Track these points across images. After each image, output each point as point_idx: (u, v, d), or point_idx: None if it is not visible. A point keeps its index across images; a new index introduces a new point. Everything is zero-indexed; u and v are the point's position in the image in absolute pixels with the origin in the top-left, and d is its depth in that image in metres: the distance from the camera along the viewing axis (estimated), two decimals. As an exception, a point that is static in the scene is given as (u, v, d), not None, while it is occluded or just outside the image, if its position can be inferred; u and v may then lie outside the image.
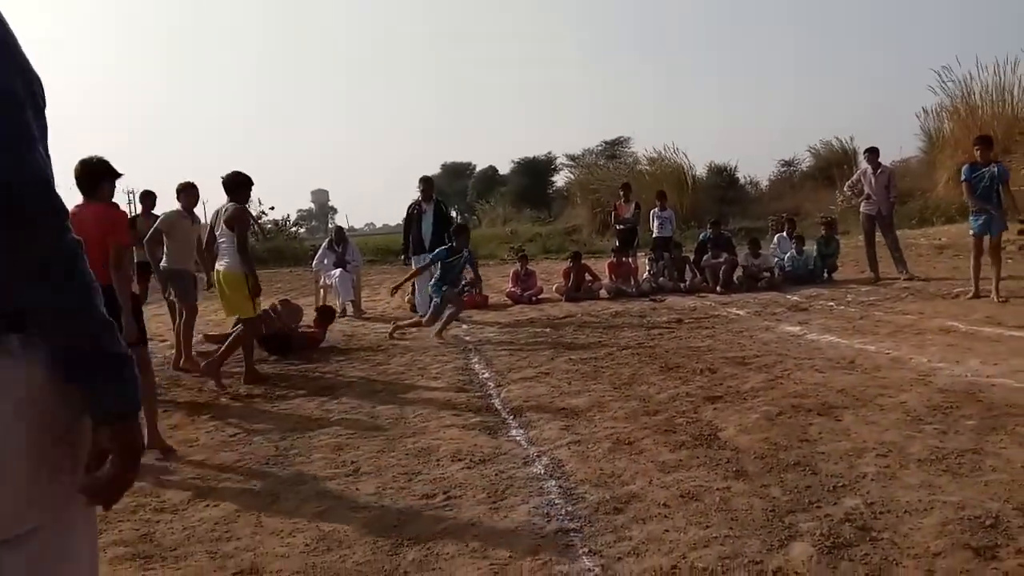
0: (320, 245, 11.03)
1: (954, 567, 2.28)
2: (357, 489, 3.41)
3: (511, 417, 4.48)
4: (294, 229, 28.37)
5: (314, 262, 10.78)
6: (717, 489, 3.06)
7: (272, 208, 27.83)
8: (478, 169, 55.44)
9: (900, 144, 29.73)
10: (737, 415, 4.11)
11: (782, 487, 3.03)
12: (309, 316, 7.99)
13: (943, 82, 19.95)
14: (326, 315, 7.79)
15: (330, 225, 12.14)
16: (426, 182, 9.33)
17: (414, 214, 9.15)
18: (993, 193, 7.50)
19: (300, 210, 68.15)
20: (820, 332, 6.57)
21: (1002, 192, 7.51)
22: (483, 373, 5.82)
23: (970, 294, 7.65)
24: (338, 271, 9.96)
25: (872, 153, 10.30)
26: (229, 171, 5.68)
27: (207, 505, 3.32)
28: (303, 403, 5.19)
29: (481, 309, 9.71)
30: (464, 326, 8.36)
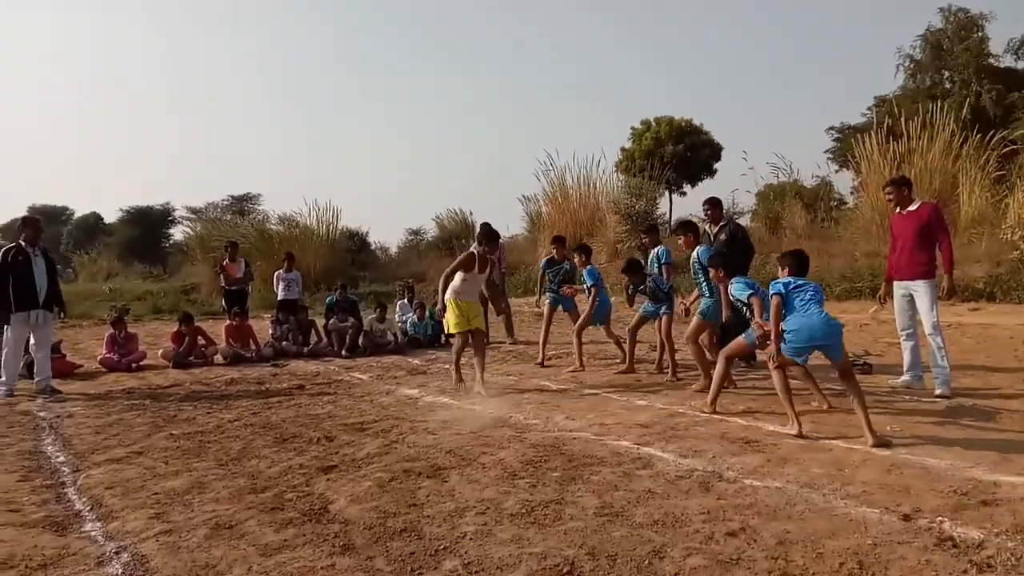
0: None
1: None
2: None
3: (87, 509, 3.77)
4: None
5: None
6: (321, 568, 2.89)
7: None
8: (77, 215, 48.75)
9: (507, 223, 33.70)
10: (350, 484, 4.01)
11: (387, 557, 2.98)
12: None
13: (545, 170, 23.32)
14: None
15: None
16: (33, 223, 7.80)
17: (17, 260, 7.38)
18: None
19: None
20: (436, 394, 6.87)
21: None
22: (57, 457, 4.88)
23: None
24: None
25: (485, 229, 11.36)
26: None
27: None
28: None
29: (65, 378, 8.27)
30: (38, 400, 7.01)
